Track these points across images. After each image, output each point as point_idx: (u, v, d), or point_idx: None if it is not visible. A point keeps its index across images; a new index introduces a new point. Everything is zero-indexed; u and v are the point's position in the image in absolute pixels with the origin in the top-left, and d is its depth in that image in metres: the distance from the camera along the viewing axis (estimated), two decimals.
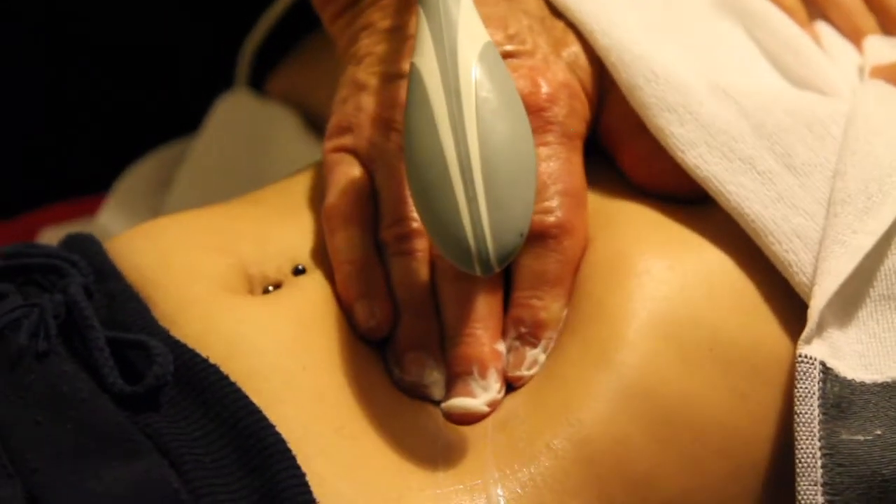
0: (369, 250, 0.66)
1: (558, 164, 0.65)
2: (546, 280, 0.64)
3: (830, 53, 0.74)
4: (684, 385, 0.62)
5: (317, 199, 0.70)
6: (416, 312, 0.65)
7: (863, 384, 0.62)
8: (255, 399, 0.60)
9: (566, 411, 0.61)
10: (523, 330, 0.64)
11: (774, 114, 0.66)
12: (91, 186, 1.04)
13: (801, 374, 0.61)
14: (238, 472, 0.58)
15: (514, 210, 0.59)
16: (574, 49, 0.69)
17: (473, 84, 0.60)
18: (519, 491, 0.60)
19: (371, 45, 0.69)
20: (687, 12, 0.74)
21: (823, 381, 0.61)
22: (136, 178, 1.02)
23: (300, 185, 0.72)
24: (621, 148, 0.69)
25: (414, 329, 0.65)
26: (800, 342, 0.62)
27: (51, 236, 0.96)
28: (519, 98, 0.61)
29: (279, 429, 0.59)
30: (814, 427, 0.61)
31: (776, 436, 0.62)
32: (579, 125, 0.67)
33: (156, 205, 1.00)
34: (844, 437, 0.61)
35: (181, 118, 1.08)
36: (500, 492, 0.60)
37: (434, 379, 0.64)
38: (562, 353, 0.63)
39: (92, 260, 0.66)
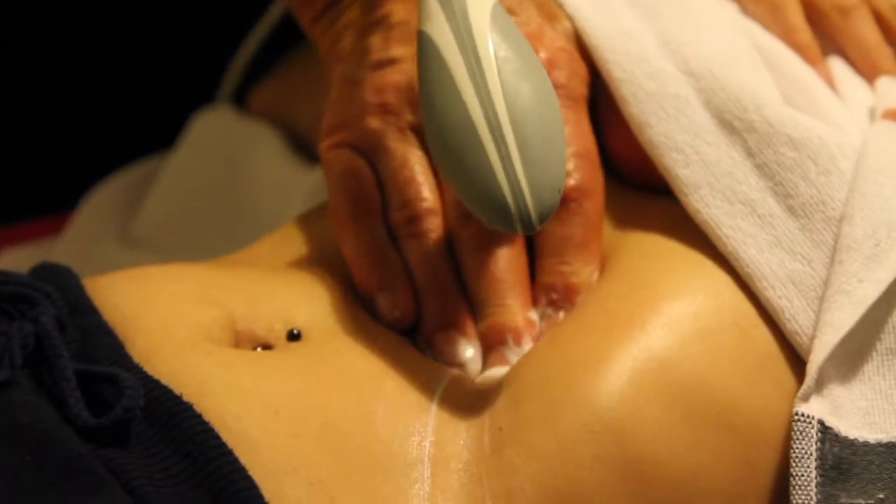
0: (382, 240, 0.66)
1: (568, 127, 0.65)
2: (573, 244, 0.65)
3: (842, 93, 0.73)
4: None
5: (317, 253, 0.69)
6: (440, 292, 0.65)
7: (866, 444, 0.60)
8: (228, 440, 0.58)
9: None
10: (554, 296, 0.64)
11: (779, 147, 0.65)
12: (56, 205, 1.01)
13: (798, 433, 0.60)
14: None
15: (550, 166, 0.60)
16: (566, 24, 0.69)
17: (490, 44, 0.60)
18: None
19: (355, 41, 0.69)
20: None
21: (822, 440, 0.60)
22: (104, 197, 0.99)
23: (298, 238, 0.71)
24: (607, 130, 0.69)
25: (440, 309, 0.65)
26: (797, 399, 0.60)
27: (13, 258, 0.95)
28: (535, 55, 0.61)
29: (251, 473, 0.57)
30: (810, 491, 0.59)
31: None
32: (582, 87, 0.68)
33: (124, 225, 0.98)
34: (844, 500, 0.59)
35: (153, 134, 1.06)
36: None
37: (470, 355, 0.64)
38: None
39: (67, 293, 0.64)
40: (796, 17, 0.75)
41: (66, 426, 0.58)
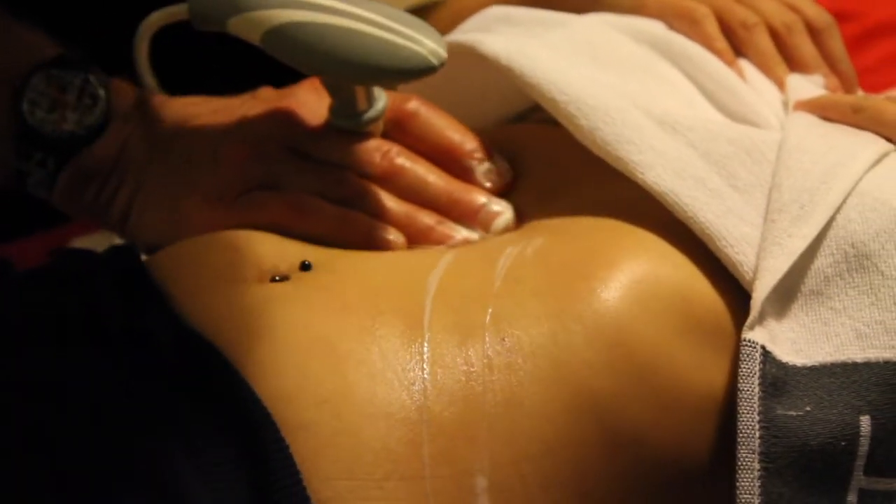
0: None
1: None
2: None
3: (755, 88, 0.84)
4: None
5: None
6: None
7: (794, 367, 0.68)
8: (245, 372, 0.65)
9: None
10: None
11: (718, 143, 0.75)
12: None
13: (745, 356, 0.68)
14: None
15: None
16: None
17: None
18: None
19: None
20: (629, 59, 0.83)
21: (763, 362, 0.68)
22: None
23: None
24: None
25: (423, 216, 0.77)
26: (744, 328, 0.69)
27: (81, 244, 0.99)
28: None
29: (264, 400, 0.64)
30: (754, 402, 0.67)
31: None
32: None
33: None
34: (780, 412, 0.67)
35: None
36: None
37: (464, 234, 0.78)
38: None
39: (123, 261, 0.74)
40: (713, 28, 0.87)
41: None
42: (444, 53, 0.74)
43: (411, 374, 0.66)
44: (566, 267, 0.70)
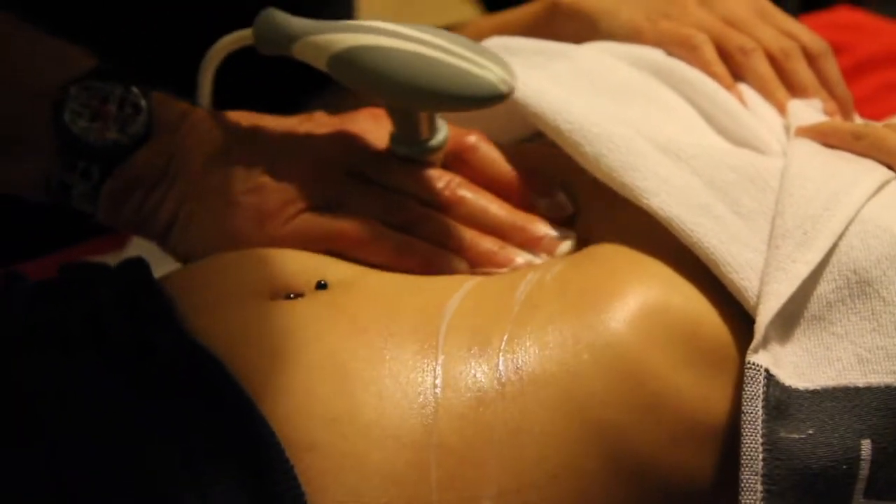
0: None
1: None
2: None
3: (755, 112, 0.85)
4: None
5: None
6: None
7: (797, 390, 0.69)
8: (252, 391, 0.65)
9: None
10: None
11: (721, 170, 0.75)
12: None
13: (749, 378, 0.69)
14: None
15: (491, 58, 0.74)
16: None
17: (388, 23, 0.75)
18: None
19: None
20: (630, 86, 0.84)
21: (767, 385, 0.69)
22: None
23: None
24: None
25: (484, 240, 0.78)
26: (748, 352, 0.69)
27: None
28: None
29: (270, 418, 0.64)
30: (757, 425, 0.68)
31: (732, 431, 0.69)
32: None
33: None
34: (783, 434, 0.68)
35: None
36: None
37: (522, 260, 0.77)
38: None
39: (133, 273, 0.73)
40: (711, 54, 0.88)
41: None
42: (512, 81, 0.74)
43: (422, 397, 0.66)
44: (581, 294, 0.71)
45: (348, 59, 0.74)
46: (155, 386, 0.66)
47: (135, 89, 0.80)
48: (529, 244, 0.77)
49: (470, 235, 0.77)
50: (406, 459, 0.64)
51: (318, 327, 0.68)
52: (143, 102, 0.79)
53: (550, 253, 0.77)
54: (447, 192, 0.78)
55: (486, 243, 0.77)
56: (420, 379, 0.67)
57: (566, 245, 0.77)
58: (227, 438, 0.63)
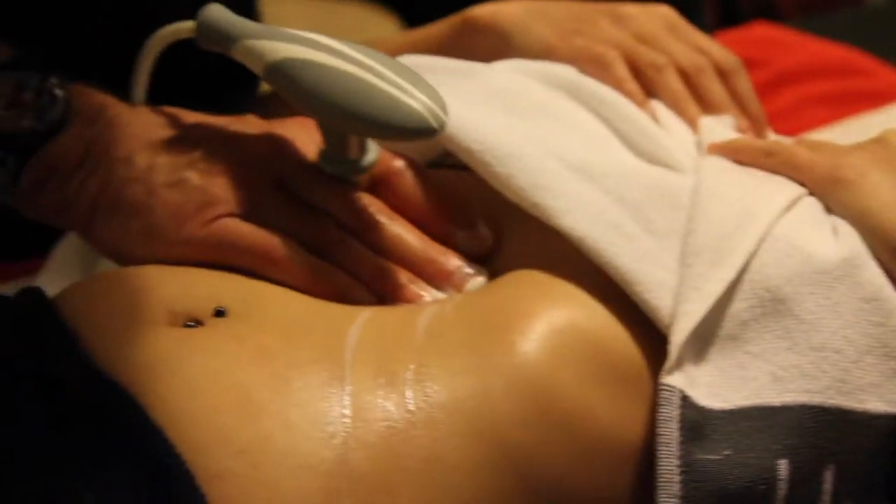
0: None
1: None
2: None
3: (668, 129, 0.85)
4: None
5: None
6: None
7: (712, 411, 0.68)
8: (158, 419, 0.64)
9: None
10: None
11: (633, 188, 0.75)
12: (27, 252, 0.99)
13: (663, 400, 0.68)
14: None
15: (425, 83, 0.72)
16: None
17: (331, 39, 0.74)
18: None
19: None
20: (542, 106, 0.83)
21: (682, 406, 0.68)
22: (72, 245, 0.96)
23: None
24: None
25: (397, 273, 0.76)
26: (662, 373, 0.69)
27: None
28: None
29: (179, 449, 0.63)
30: (673, 447, 0.67)
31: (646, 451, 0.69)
32: None
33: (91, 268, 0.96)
34: (699, 456, 0.67)
35: None
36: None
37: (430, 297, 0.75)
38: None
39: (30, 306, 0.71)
40: (623, 71, 0.88)
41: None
42: (444, 117, 0.72)
43: (331, 426, 0.65)
44: (485, 320, 0.70)
45: (283, 70, 0.73)
46: (61, 419, 0.64)
47: (52, 79, 0.78)
48: (439, 277, 0.76)
49: (381, 266, 0.76)
50: (318, 487, 0.64)
51: (221, 358, 0.68)
52: (59, 92, 0.78)
53: (459, 289, 0.76)
54: (365, 216, 0.77)
55: (397, 276, 0.76)
56: (328, 408, 0.66)
57: (476, 282, 0.76)
58: (136, 468, 0.62)
